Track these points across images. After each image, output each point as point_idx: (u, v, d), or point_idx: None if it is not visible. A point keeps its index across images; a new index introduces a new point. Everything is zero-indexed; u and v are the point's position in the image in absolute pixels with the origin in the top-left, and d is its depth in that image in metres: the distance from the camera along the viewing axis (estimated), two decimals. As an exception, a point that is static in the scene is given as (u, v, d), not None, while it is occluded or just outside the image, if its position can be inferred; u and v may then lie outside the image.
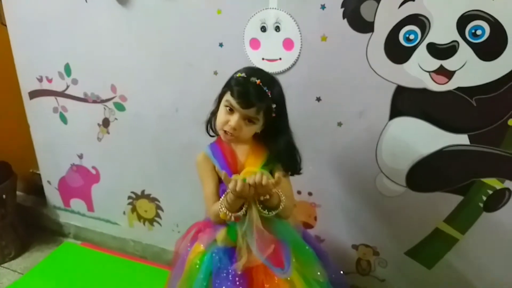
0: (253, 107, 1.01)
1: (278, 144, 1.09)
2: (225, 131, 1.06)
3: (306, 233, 1.32)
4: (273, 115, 1.06)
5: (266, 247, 1.04)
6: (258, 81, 1.01)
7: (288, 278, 1.09)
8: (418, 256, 1.46)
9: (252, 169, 1.06)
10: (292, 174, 1.16)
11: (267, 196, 1.01)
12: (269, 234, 1.05)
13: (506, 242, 1.31)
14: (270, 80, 1.06)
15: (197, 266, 1.15)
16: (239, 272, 1.09)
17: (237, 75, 1.05)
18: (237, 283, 1.08)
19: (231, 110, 1.04)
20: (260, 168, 1.07)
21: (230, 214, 1.02)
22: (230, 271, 1.10)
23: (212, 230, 1.18)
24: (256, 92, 1.00)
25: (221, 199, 1.04)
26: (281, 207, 1.04)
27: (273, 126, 1.09)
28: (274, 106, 1.04)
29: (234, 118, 1.03)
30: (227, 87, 1.07)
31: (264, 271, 1.09)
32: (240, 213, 1.02)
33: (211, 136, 1.19)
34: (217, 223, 1.12)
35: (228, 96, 1.04)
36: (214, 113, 1.14)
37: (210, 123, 1.17)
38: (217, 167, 1.11)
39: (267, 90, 1.01)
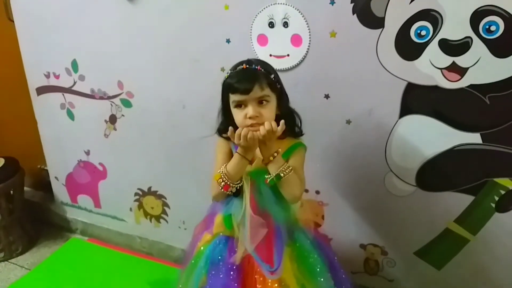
0: (255, 85, 1.02)
1: (284, 103, 1.12)
2: (249, 126, 1.06)
3: (319, 240, 1.23)
4: (278, 85, 1.09)
5: (257, 233, 1.07)
6: (243, 66, 1.06)
7: (283, 284, 1.08)
8: (428, 257, 1.44)
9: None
10: (298, 135, 1.17)
11: (275, 154, 1.04)
12: (261, 220, 1.07)
13: (519, 243, 1.29)
14: (253, 60, 1.10)
15: (201, 253, 1.18)
16: (237, 263, 1.10)
17: (225, 76, 1.09)
18: (230, 277, 1.10)
19: (242, 106, 1.06)
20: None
21: (225, 179, 1.05)
22: (226, 263, 1.11)
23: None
24: (248, 73, 1.05)
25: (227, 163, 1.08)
26: (284, 174, 1.04)
27: (282, 96, 1.11)
28: (272, 76, 1.07)
29: (249, 109, 1.04)
30: (225, 92, 1.09)
31: (260, 271, 1.10)
32: (234, 186, 1.06)
33: (226, 138, 1.16)
34: (214, 198, 1.13)
35: (231, 98, 1.06)
36: (222, 125, 1.16)
37: (222, 130, 1.17)
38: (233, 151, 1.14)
39: (255, 67, 1.06)
